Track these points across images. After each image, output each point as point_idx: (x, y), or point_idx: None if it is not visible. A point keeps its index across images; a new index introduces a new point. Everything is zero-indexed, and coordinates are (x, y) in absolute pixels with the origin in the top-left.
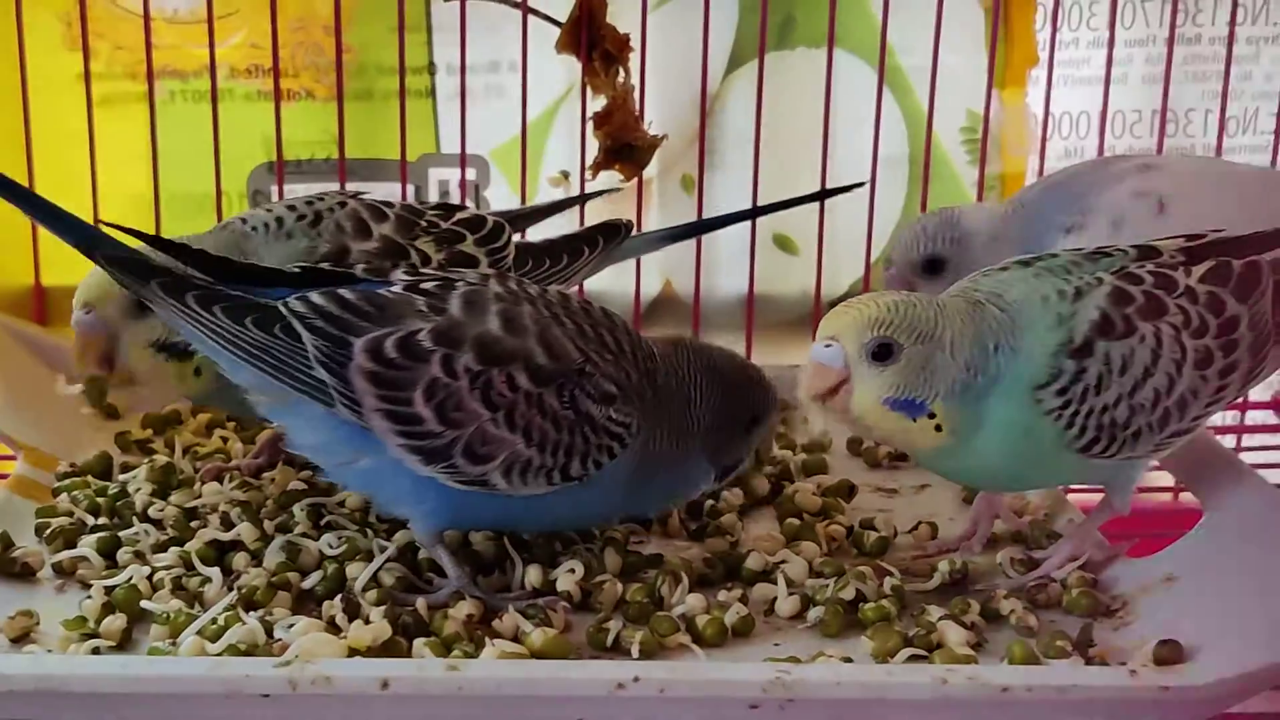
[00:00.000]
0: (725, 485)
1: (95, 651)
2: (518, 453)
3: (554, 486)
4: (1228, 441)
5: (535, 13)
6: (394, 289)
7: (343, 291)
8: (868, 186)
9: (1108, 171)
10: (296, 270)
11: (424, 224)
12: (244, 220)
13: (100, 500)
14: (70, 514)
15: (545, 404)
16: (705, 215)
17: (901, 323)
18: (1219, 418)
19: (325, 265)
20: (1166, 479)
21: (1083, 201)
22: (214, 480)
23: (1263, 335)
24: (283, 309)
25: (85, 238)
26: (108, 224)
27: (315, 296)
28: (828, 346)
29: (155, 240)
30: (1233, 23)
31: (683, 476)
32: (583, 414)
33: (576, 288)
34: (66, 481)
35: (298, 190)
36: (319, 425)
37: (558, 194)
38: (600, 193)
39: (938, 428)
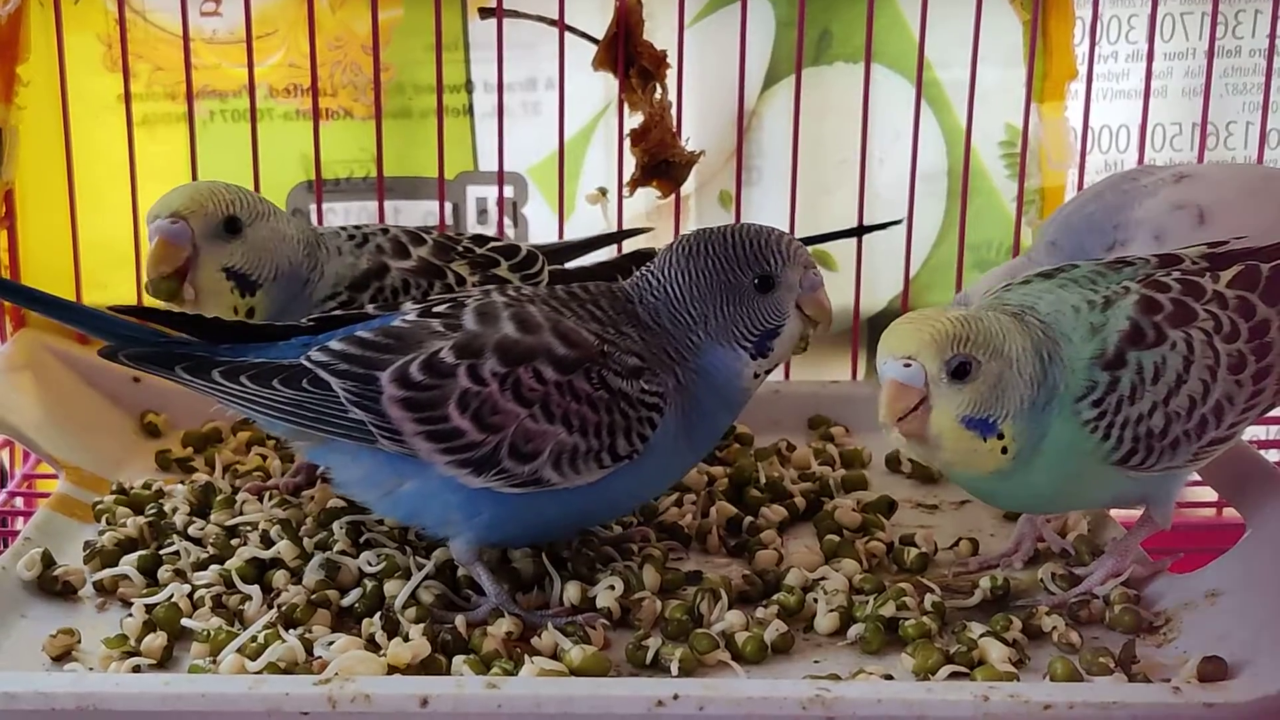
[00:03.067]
0: (778, 356)
1: (136, 670)
2: (562, 442)
3: (606, 470)
4: (1271, 456)
5: (572, 30)
6: (407, 318)
7: (359, 332)
8: (906, 198)
9: (1137, 186)
10: (310, 323)
11: (460, 249)
12: (319, 230)
13: (141, 519)
14: (111, 532)
15: (577, 389)
16: None
17: (977, 339)
18: (1262, 431)
19: (337, 311)
20: (1209, 494)
21: (1119, 217)
22: (254, 498)
23: None
24: (306, 363)
25: (114, 340)
26: (121, 310)
27: (334, 344)
28: (907, 366)
29: (173, 318)
30: (1273, 35)
31: (722, 383)
32: (615, 391)
33: None
34: (109, 499)
35: (336, 208)
36: (362, 457)
37: (595, 211)
38: (636, 231)
39: (1004, 449)
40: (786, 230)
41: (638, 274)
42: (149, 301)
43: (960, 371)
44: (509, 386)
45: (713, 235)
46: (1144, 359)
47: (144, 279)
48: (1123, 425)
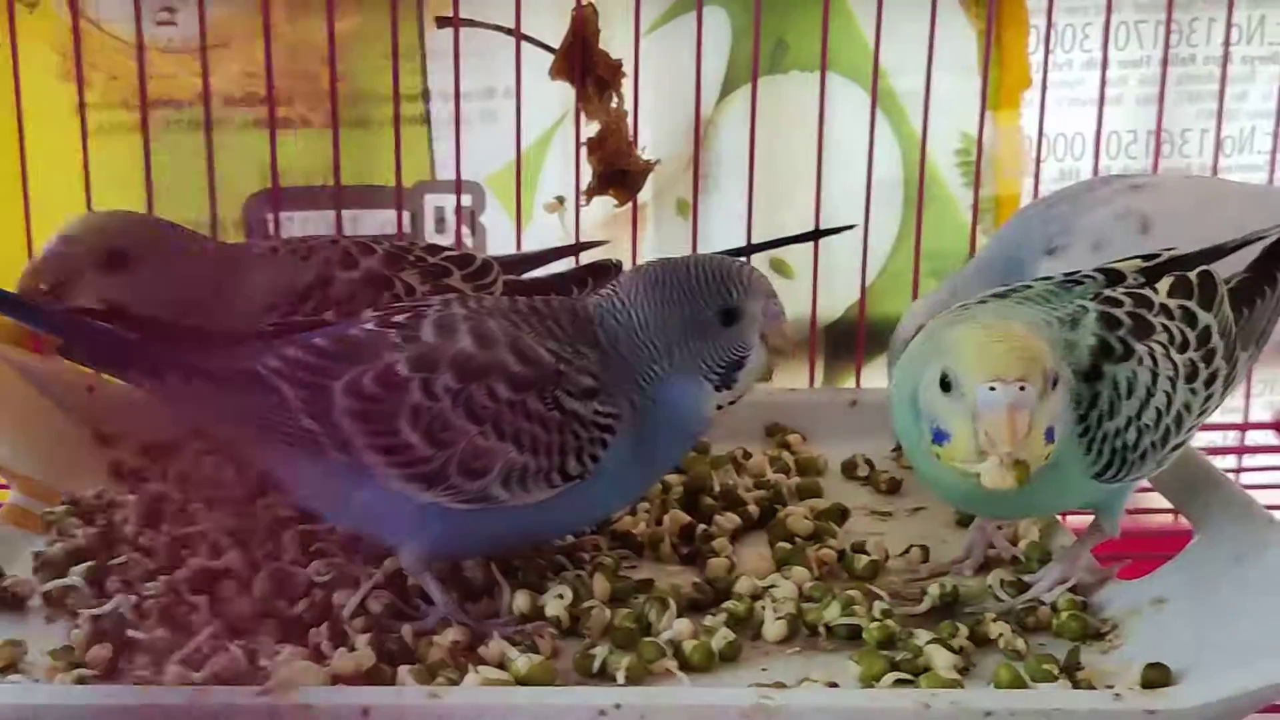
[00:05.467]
0: (743, 387)
1: (81, 681)
2: (512, 461)
3: (557, 489)
4: (1229, 462)
5: (529, 39)
6: (366, 327)
7: (316, 340)
8: (862, 206)
9: (1093, 195)
10: (269, 328)
11: (411, 259)
12: (251, 246)
13: (91, 529)
14: (61, 543)
15: (530, 409)
16: (700, 239)
17: (1050, 350)
18: (1220, 438)
19: (298, 317)
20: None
21: (1065, 223)
22: (205, 508)
23: (1230, 341)
24: (261, 370)
25: (68, 338)
26: (82, 311)
27: (290, 351)
28: (1022, 389)
29: (128, 321)
30: (1227, 43)
31: (682, 414)
32: (569, 412)
33: None
34: (59, 509)
35: (294, 217)
36: (313, 465)
37: (553, 220)
38: (593, 244)
39: (1049, 455)
40: (745, 248)
41: (600, 295)
42: None
43: (1054, 384)
44: (461, 403)
45: (675, 267)
46: (1118, 373)
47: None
48: (1103, 439)
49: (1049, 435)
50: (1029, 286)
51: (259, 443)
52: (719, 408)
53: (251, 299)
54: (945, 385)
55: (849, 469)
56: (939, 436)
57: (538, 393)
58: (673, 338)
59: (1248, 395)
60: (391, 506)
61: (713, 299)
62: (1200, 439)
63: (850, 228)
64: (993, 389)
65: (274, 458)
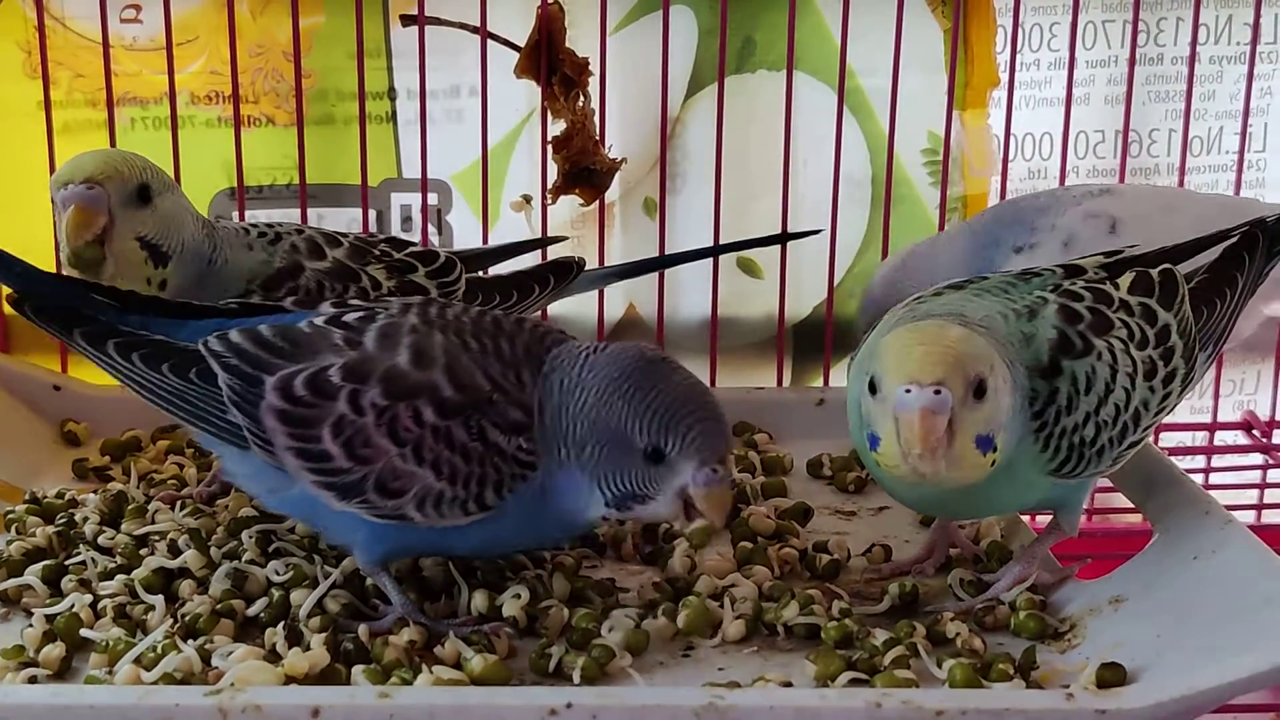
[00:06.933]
0: (636, 518)
1: (32, 680)
2: (429, 486)
3: (471, 517)
4: (1198, 462)
5: (494, 37)
6: (316, 321)
7: (261, 328)
8: (830, 201)
9: (1064, 197)
10: (233, 305)
11: (376, 253)
12: (221, 221)
13: (50, 528)
14: (19, 542)
15: (453, 437)
16: (667, 237)
17: (981, 354)
18: (1189, 438)
19: (256, 299)
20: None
21: (1036, 222)
22: (167, 507)
23: (1190, 341)
24: (201, 349)
25: (20, 288)
26: (45, 273)
27: (233, 334)
28: (937, 393)
29: (90, 286)
30: (1194, 43)
31: (564, 505)
32: (491, 445)
33: (539, 314)
34: (20, 508)
35: (259, 216)
36: (249, 455)
37: (520, 219)
38: (557, 239)
39: (993, 462)
40: (713, 248)
41: (565, 346)
42: None
43: (979, 391)
44: (385, 422)
45: (644, 379)
46: (1076, 368)
47: (63, 251)
48: (1060, 435)
49: (985, 444)
50: (985, 278)
51: (190, 426)
52: (605, 520)
53: (233, 278)
54: (873, 389)
55: (815, 468)
56: (873, 441)
57: (463, 420)
58: (594, 437)
59: (1216, 395)
60: (322, 504)
61: (648, 432)
62: (1169, 439)
63: (817, 232)
64: (908, 391)
65: (213, 439)
